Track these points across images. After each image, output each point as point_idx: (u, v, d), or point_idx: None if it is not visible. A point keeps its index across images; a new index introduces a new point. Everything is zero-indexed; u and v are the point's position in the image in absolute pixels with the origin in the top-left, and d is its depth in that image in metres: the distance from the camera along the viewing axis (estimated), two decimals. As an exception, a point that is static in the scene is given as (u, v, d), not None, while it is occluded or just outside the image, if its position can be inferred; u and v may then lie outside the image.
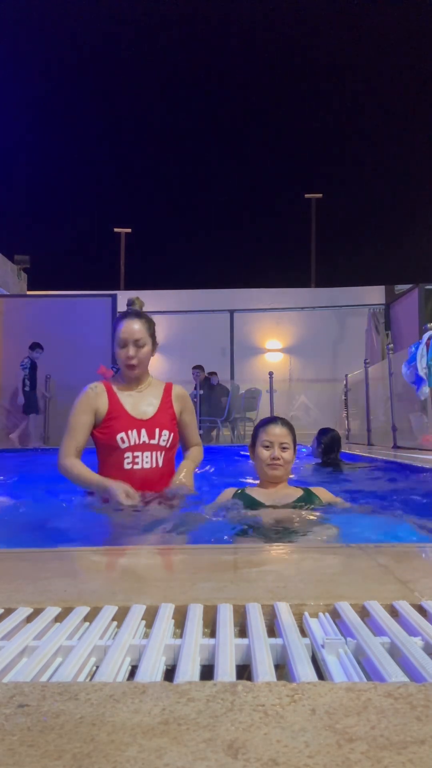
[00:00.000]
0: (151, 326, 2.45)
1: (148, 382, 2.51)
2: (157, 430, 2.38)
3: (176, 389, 2.56)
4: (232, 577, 1.10)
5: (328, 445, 4.03)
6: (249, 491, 2.45)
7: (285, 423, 2.47)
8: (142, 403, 2.44)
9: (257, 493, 2.42)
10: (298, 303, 12.74)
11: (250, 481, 2.89)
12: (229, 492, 2.45)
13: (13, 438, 8.89)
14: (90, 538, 2.01)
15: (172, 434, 2.44)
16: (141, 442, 2.36)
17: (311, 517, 2.20)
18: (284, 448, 2.38)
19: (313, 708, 0.57)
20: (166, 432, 2.41)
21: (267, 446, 2.39)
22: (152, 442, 2.37)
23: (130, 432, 2.35)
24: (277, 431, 2.40)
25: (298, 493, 2.38)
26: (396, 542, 1.61)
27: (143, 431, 2.37)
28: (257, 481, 2.53)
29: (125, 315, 2.44)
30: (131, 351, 2.37)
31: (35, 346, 9.02)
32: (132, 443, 2.35)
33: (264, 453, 2.39)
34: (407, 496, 3.04)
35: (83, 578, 1.12)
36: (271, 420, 2.50)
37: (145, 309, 2.57)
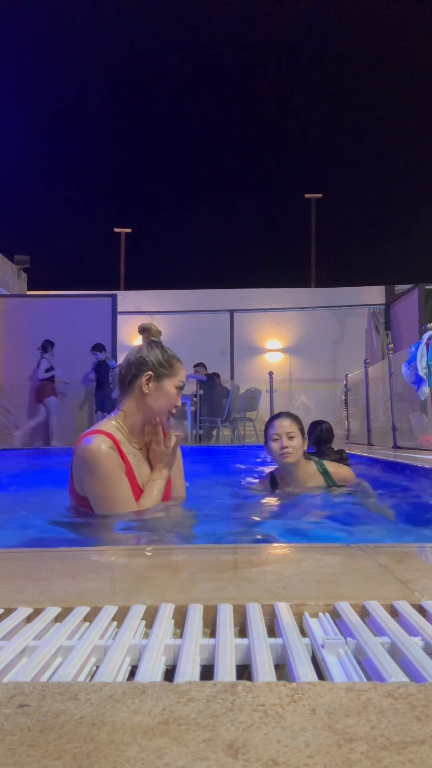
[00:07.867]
0: None
1: None
2: None
3: None
4: (232, 577, 1.10)
5: (317, 437, 4.14)
6: (276, 474, 2.83)
7: (288, 415, 2.74)
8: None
9: (280, 477, 2.79)
10: (298, 303, 12.74)
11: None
12: (268, 473, 2.91)
13: None
14: (90, 538, 2.01)
15: None
16: None
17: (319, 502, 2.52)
18: (291, 437, 2.63)
19: (313, 708, 0.57)
20: None
21: (276, 439, 2.65)
22: None
23: None
24: (283, 424, 2.67)
25: (316, 476, 2.72)
26: (396, 542, 1.61)
27: None
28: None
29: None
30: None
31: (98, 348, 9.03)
32: None
33: (275, 446, 2.65)
34: (403, 495, 3.05)
35: (83, 578, 1.11)
36: (276, 416, 2.78)
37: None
